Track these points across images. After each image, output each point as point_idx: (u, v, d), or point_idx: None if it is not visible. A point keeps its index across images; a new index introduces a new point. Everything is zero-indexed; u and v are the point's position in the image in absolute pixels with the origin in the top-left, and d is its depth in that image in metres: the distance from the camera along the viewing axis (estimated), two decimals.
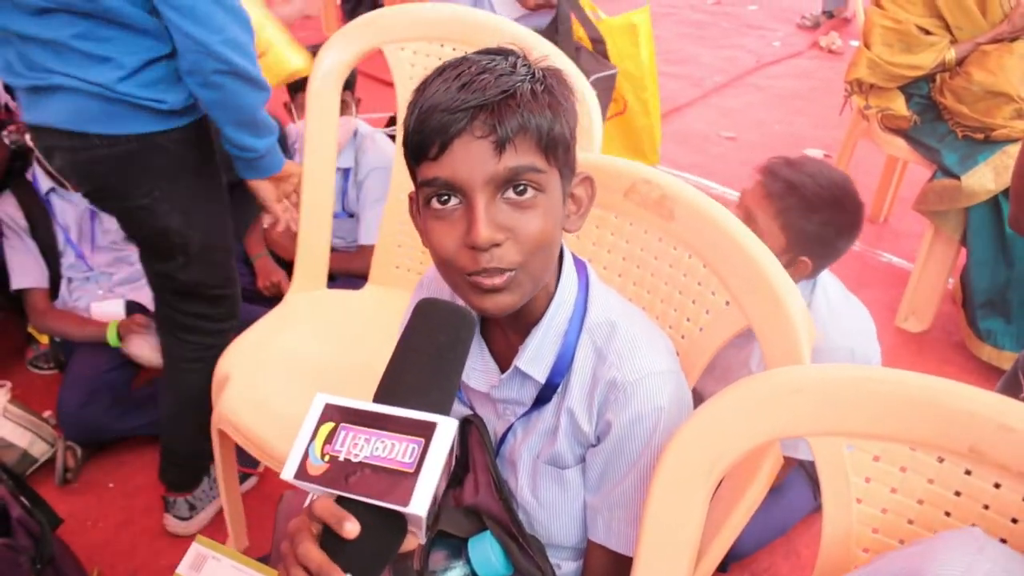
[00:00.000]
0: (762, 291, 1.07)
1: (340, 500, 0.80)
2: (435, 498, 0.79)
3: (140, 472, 2.38)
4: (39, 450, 2.32)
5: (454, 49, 1.77)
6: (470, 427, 1.14)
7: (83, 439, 2.36)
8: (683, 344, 1.19)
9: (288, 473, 0.81)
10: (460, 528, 1.15)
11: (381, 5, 5.06)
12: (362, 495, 0.78)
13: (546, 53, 1.13)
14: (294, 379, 1.70)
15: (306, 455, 0.81)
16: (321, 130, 1.86)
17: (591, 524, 1.09)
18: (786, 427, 0.93)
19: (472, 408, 1.15)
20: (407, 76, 1.82)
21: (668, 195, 1.18)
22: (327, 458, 0.80)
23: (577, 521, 1.10)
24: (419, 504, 0.76)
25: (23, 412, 2.32)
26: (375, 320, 1.88)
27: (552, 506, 1.10)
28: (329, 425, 0.82)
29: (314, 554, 0.79)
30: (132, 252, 2.70)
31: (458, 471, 1.19)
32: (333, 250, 2.12)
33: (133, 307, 2.59)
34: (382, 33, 1.83)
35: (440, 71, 0.94)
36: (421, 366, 0.87)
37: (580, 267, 1.08)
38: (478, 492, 1.15)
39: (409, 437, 0.79)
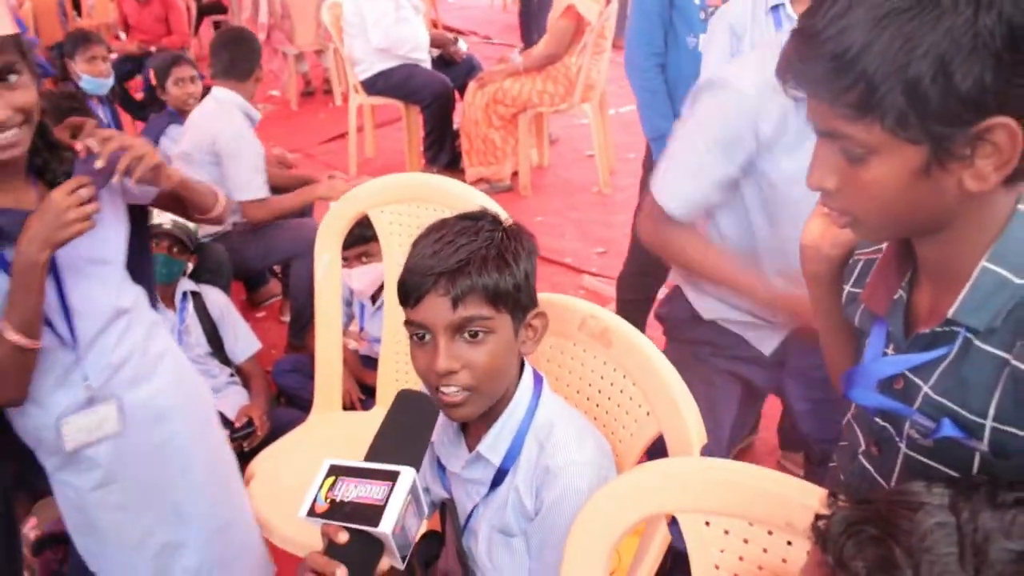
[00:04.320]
0: (668, 404, 1.39)
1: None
2: (405, 530, 1.14)
3: None
4: None
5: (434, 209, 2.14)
6: (446, 510, 1.48)
7: None
8: (620, 446, 1.50)
9: (302, 512, 1.17)
10: None
11: (459, 153, 5.56)
12: (350, 523, 1.13)
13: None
14: (305, 477, 2.05)
15: (315, 500, 1.17)
16: (327, 279, 2.29)
17: None
18: (662, 506, 1.23)
19: (450, 492, 1.47)
20: (387, 232, 2.26)
21: (608, 328, 1.50)
22: (328, 500, 1.16)
23: None
24: (386, 525, 1.10)
25: None
26: None
27: (503, 568, 1.40)
28: (331, 479, 1.18)
29: (319, 559, 1.13)
30: (215, 367, 3.12)
31: (437, 548, 1.52)
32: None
33: None
34: (366, 200, 2.28)
35: (426, 234, 1.35)
36: (397, 436, 1.24)
37: (537, 379, 1.42)
38: (448, 560, 1.46)
39: (381, 482, 1.14)
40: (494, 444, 1.37)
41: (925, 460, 1.08)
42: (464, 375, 1.28)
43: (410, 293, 1.30)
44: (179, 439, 1.83)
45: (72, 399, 1.66)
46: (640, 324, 3.24)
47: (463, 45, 6.16)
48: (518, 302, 1.33)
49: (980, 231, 0.97)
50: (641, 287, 3.30)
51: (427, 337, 1.30)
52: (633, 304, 3.29)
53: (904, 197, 0.94)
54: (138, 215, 1.80)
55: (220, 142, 3.42)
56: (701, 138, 1.75)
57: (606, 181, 5.39)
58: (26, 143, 1.51)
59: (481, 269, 1.27)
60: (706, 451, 1.37)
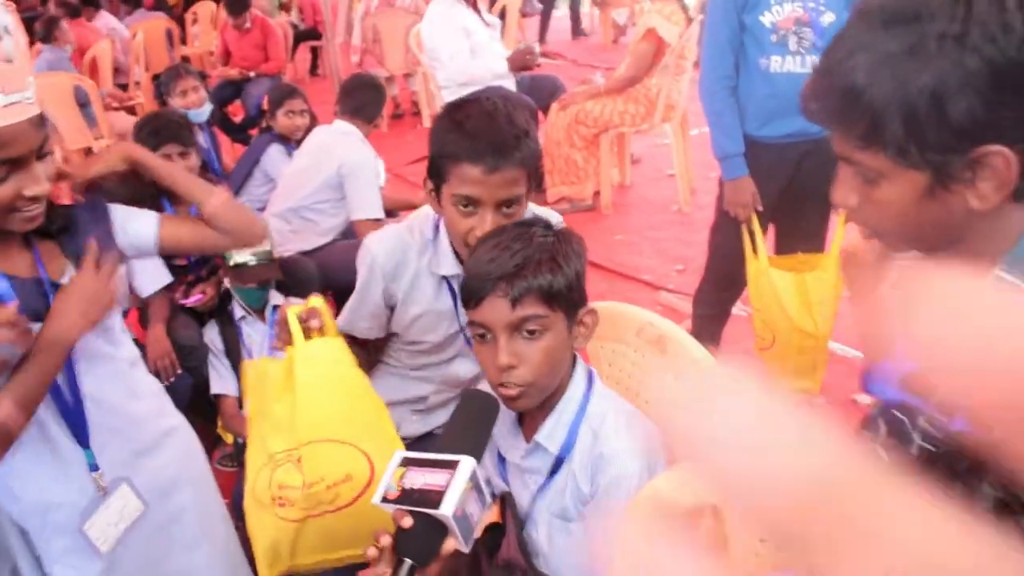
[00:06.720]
0: None
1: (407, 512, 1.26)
2: (467, 515, 1.24)
3: None
4: None
5: None
6: (505, 503, 1.58)
7: None
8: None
9: (376, 499, 1.29)
10: None
11: (542, 173, 5.67)
12: (416, 507, 1.24)
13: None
14: None
15: (387, 488, 1.28)
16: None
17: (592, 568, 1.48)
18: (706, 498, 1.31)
19: (509, 483, 1.57)
20: None
21: (663, 335, 1.59)
22: (399, 488, 1.27)
23: (581, 566, 1.49)
24: (446, 508, 1.20)
25: None
26: None
27: (562, 552, 1.51)
28: (402, 469, 1.29)
29: (384, 537, 1.24)
30: None
31: (497, 537, 1.62)
32: None
33: None
34: None
35: (484, 240, 1.48)
36: (461, 430, 1.35)
37: (589, 374, 1.53)
38: (509, 549, 1.56)
39: (444, 470, 1.25)
40: (551, 433, 1.48)
41: (937, 450, 1.14)
42: (523, 370, 1.40)
43: (472, 295, 1.43)
44: (187, 516, 1.77)
45: (81, 494, 1.61)
46: (715, 338, 3.30)
47: (536, 48, 6.25)
48: (570, 300, 1.44)
49: (994, 243, 1.05)
50: (717, 302, 3.35)
51: (488, 336, 1.42)
52: (709, 319, 3.34)
53: (914, 214, 1.04)
54: None
55: (346, 165, 3.65)
56: None
57: (687, 200, 5.44)
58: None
59: (536, 271, 1.39)
60: None
